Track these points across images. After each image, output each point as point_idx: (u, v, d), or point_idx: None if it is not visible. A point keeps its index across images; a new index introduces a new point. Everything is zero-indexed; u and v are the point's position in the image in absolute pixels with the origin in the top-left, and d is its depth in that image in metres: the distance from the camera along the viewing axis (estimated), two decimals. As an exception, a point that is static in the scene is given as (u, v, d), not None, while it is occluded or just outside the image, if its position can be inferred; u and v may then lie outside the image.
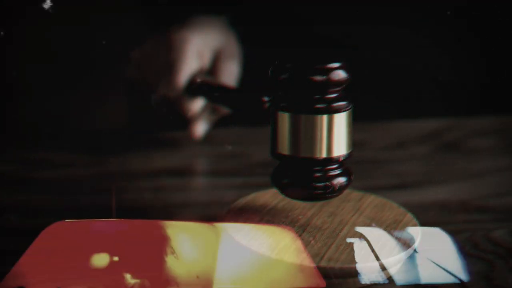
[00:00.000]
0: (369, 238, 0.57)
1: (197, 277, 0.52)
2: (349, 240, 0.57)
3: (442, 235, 0.63)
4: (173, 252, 0.53)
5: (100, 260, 0.52)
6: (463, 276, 0.57)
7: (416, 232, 0.58)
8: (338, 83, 0.56)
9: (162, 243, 0.54)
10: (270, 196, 0.64)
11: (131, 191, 0.74)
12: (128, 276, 0.52)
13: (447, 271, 0.58)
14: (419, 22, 0.96)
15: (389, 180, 0.78)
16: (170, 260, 0.53)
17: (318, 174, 0.57)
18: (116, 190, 0.70)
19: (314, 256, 0.54)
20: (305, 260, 0.54)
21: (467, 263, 0.59)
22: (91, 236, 0.54)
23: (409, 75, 0.98)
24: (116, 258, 0.52)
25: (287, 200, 0.62)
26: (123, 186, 0.75)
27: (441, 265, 0.59)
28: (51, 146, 0.85)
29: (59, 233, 0.53)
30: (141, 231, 0.55)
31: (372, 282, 0.55)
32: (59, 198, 0.72)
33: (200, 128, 0.86)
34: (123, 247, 0.53)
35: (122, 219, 0.55)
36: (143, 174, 0.79)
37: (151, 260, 0.53)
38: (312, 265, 0.53)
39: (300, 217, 0.61)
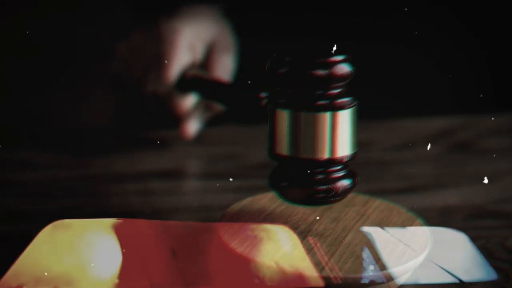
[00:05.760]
0: (375, 246, 0.58)
1: (196, 277, 0.54)
2: (353, 247, 0.57)
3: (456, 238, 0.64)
4: (174, 253, 0.54)
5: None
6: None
7: (426, 239, 0.59)
8: (342, 78, 0.56)
9: (162, 243, 0.55)
10: (268, 200, 0.64)
11: (118, 195, 0.74)
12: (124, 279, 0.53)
13: (458, 279, 0.58)
14: (429, 13, 0.96)
15: (397, 183, 0.78)
16: (170, 260, 0.54)
17: (319, 176, 0.57)
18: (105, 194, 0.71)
19: (316, 265, 0.55)
20: (307, 268, 0.54)
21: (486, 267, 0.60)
22: (90, 235, 0.55)
23: (419, 69, 0.99)
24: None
25: (286, 205, 0.63)
26: (109, 189, 0.75)
27: (452, 272, 0.59)
28: (32, 147, 0.85)
29: (58, 233, 0.54)
30: (141, 230, 0.56)
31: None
32: (41, 201, 0.73)
33: (192, 127, 0.86)
34: (122, 247, 0.54)
35: (122, 219, 0.56)
36: (131, 177, 0.79)
37: (152, 259, 0.54)
38: (314, 274, 0.54)
39: (300, 222, 0.61)
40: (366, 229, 0.60)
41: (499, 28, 1.00)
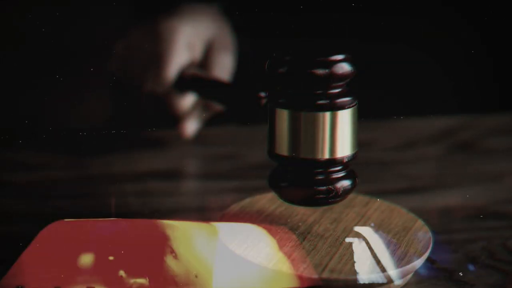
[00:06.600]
0: (376, 247, 0.58)
1: (196, 276, 0.54)
2: (354, 249, 0.57)
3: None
4: (172, 252, 0.55)
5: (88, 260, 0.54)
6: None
7: (427, 240, 0.59)
8: (342, 77, 0.56)
9: (161, 242, 0.55)
10: (268, 201, 0.64)
11: (115, 196, 0.74)
12: (127, 276, 0.53)
13: (458, 279, 0.58)
14: (431, 10, 0.96)
15: (398, 183, 0.78)
16: (169, 260, 0.54)
17: (320, 177, 0.57)
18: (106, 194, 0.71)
19: (315, 266, 0.55)
20: (306, 271, 0.54)
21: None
22: (90, 235, 0.55)
23: (419, 69, 0.99)
24: (111, 258, 0.54)
25: (286, 205, 0.63)
26: (105, 190, 0.75)
27: (452, 273, 0.59)
28: (26, 147, 0.85)
29: (58, 233, 0.55)
30: (141, 230, 0.56)
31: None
32: (36, 202, 0.73)
33: (191, 127, 0.86)
34: (122, 246, 0.55)
35: (122, 219, 0.57)
36: (128, 177, 0.79)
37: (150, 259, 0.55)
38: (314, 276, 0.54)
39: (300, 223, 0.61)
40: (366, 230, 0.60)
41: (501, 28, 1.00)
